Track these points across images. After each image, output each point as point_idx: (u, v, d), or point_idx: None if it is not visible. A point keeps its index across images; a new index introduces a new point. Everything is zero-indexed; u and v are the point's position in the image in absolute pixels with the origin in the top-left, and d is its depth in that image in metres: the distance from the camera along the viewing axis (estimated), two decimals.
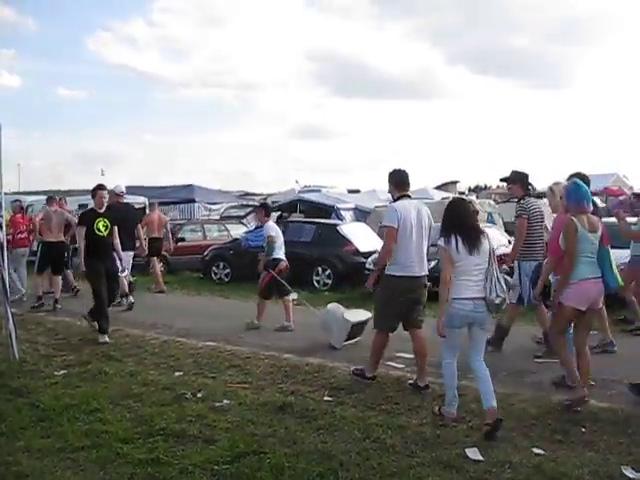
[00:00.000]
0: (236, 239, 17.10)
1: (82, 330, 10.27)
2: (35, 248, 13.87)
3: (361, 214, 21.19)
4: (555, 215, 7.42)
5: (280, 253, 10.46)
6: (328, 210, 20.93)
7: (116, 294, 10.50)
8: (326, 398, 6.60)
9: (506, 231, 16.07)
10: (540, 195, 12.07)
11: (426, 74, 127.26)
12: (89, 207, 10.52)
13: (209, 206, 26.93)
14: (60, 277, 13.08)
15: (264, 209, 11.10)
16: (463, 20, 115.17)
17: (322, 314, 9.30)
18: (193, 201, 26.94)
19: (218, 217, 24.89)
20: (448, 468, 4.89)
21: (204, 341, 9.29)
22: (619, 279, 6.27)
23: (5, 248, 8.65)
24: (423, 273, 6.96)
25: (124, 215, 12.17)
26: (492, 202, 22.22)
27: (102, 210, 9.95)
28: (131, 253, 12.84)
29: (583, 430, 5.64)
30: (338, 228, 15.53)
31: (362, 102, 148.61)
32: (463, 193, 32.62)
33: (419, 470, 4.86)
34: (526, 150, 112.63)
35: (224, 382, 7.21)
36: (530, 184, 8.07)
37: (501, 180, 8.60)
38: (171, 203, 26.39)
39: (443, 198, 21.34)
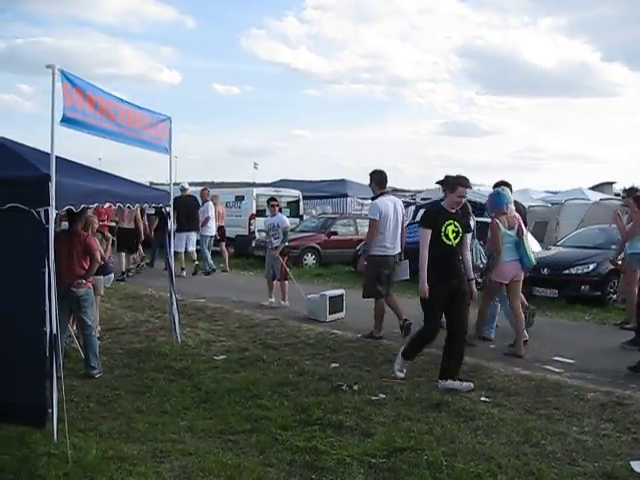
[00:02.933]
0: None
1: (240, 317, 10.61)
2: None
3: None
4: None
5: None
6: (481, 208, 20.45)
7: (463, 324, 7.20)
8: (483, 399, 6.48)
9: None
10: None
11: (581, 71, 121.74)
12: (433, 201, 8.73)
13: (361, 201, 26.98)
14: (135, 254, 16.11)
15: (279, 203, 13.12)
16: (621, 15, 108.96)
17: (307, 304, 10.92)
18: (346, 196, 27.15)
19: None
20: None
21: (359, 334, 9.34)
22: (532, 260, 8.53)
23: (173, 236, 8.96)
24: (396, 252, 8.89)
25: (190, 207, 16.20)
26: None
27: (453, 210, 7.00)
28: (195, 233, 16.53)
29: None
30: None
31: (513, 99, 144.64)
32: (619, 194, 30.81)
33: (580, 479, 4.69)
34: None
35: (380, 376, 7.22)
36: None
37: (436, 183, 9.81)
38: (324, 197, 26.74)
39: (601, 199, 20.28)
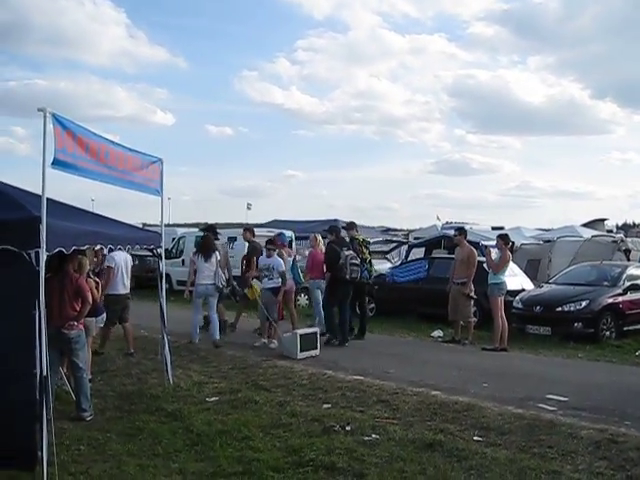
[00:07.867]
0: (381, 274, 17.01)
1: (232, 359, 10.57)
2: None
3: None
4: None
5: None
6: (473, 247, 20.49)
7: None
8: (476, 438, 6.43)
9: None
10: None
11: (571, 108, 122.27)
12: None
13: None
14: None
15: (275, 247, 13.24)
16: (610, 52, 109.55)
17: (282, 341, 11.40)
18: None
19: None
20: None
21: (351, 374, 9.30)
22: (301, 279, 13.54)
23: (164, 279, 8.88)
24: (126, 292, 11.07)
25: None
26: None
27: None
28: None
29: None
30: (485, 265, 15.16)
31: (504, 138, 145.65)
32: (611, 231, 30.94)
33: None
34: None
35: (372, 416, 7.15)
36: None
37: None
38: None
39: (593, 236, 20.32)
